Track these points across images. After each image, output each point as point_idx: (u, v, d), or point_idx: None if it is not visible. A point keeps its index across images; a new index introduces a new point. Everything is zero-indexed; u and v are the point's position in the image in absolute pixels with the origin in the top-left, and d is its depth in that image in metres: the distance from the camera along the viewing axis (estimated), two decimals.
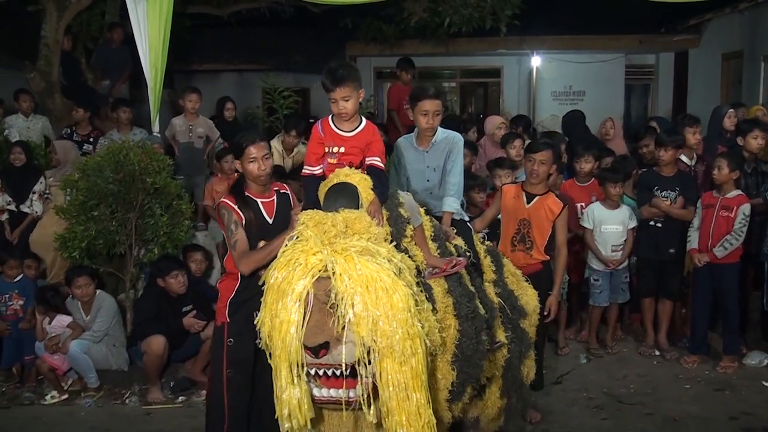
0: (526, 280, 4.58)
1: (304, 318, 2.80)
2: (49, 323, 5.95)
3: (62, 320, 5.96)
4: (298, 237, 2.97)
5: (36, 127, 8.38)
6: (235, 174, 7.09)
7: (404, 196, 3.66)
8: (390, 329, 2.76)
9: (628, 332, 6.84)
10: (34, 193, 7.11)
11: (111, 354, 5.98)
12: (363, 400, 2.87)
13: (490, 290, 4.17)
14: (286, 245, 2.99)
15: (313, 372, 2.87)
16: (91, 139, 8.02)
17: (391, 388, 2.82)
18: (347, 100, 3.52)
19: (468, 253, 4.04)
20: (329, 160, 3.59)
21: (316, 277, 2.81)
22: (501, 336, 4.05)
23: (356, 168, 3.57)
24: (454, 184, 4.30)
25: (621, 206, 6.29)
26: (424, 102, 4.22)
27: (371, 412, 2.88)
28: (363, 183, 3.40)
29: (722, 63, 12.20)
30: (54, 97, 8.62)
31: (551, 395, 5.47)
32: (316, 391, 2.92)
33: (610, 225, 6.23)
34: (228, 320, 4.05)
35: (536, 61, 14.01)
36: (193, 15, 10.38)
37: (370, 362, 2.82)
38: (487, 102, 15.13)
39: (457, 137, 4.40)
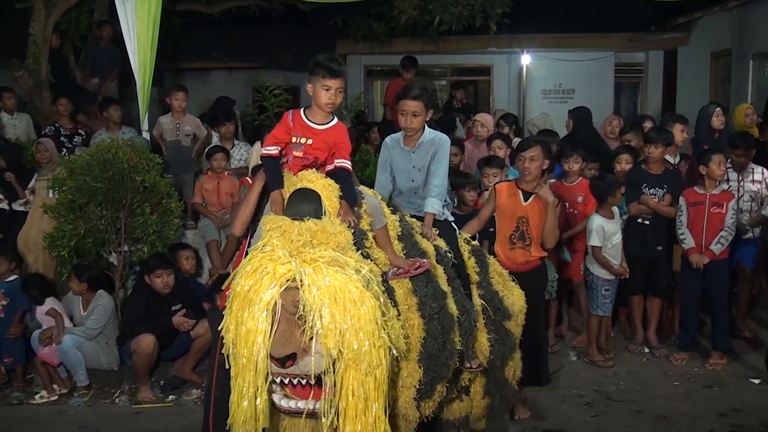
0: (513, 280, 4.57)
1: (271, 328, 2.78)
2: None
3: (41, 309, 5.97)
4: (264, 246, 2.94)
5: (21, 125, 8.34)
6: (226, 174, 7.19)
7: (368, 198, 3.65)
8: (357, 341, 2.75)
9: (617, 330, 6.85)
10: (28, 190, 7.11)
11: (102, 352, 5.97)
12: (324, 410, 2.86)
13: (473, 292, 4.17)
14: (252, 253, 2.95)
15: (278, 380, 2.87)
16: (80, 131, 8.01)
17: (351, 398, 2.81)
18: (340, 92, 3.56)
19: (449, 254, 4.04)
20: (295, 152, 3.56)
21: (284, 287, 2.79)
22: (483, 338, 4.08)
23: (320, 165, 3.58)
24: (437, 185, 4.28)
25: (614, 211, 6.21)
26: (403, 102, 4.24)
27: (327, 421, 2.86)
28: (326, 189, 3.38)
29: (711, 61, 12.25)
30: (42, 95, 8.58)
31: (541, 392, 5.46)
32: (284, 402, 2.92)
33: (617, 234, 6.16)
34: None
35: (526, 59, 14.03)
36: (183, 13, 10.35)
37: (334, 372, 2.81)
38: (478, 100, 15.12)
39: (444, 138, 4.38)
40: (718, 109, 7.42)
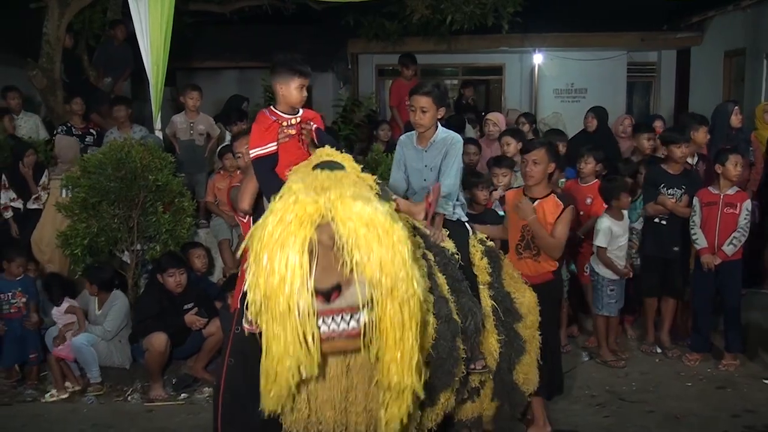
0: (526, 282, 4.52)
1: (310, 266, 2.74)
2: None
3: (60, 309, 6.05)
4: (282, 195, 2.88)
5: (27, 124, 8.38)
6: (237, 172, 7.20)
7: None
8: (394, 269, 2.75)
9: (638, 329, 6.80)
10: (39, 186, 7.15)
11: (115, 350, 6.01)
12: (364, 340, 2.84)
13: (484, 293, 4.15)
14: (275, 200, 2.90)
15: (320, 322, 2.81)
16: (92, 131, 8.06)
17: (389, 327, 2.81)
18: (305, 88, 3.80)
19: (456, 256, 4.04)
20: (288, 131, 3.75)
21: (316, 224, 2.77)
22: (492, 340, 4.05)
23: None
24: (448, 185, 4.23)
25: (623, 213, 6.17)
26: (413, 97, 4.25)
27: (370, 352, 2.87)
28: (346, 161, 3.39)
29: (724, 61, 12.17)
30: (56, 95, 8.61)
31: None
32: (324, 327, 2.83)
33: (625, 235, 6.12)
34: (239, 307, 4.08)
35: (538, 58, 13.99)
36: (195, 12, 10.37)
37: (373, 302, 2.80)
38: (489, 100, 15.09)
39: (456, 138, 4.35)
40: (737, 107, 7.38)
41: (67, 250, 6.12)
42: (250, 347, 4.02)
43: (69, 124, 7.99)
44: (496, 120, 7.88)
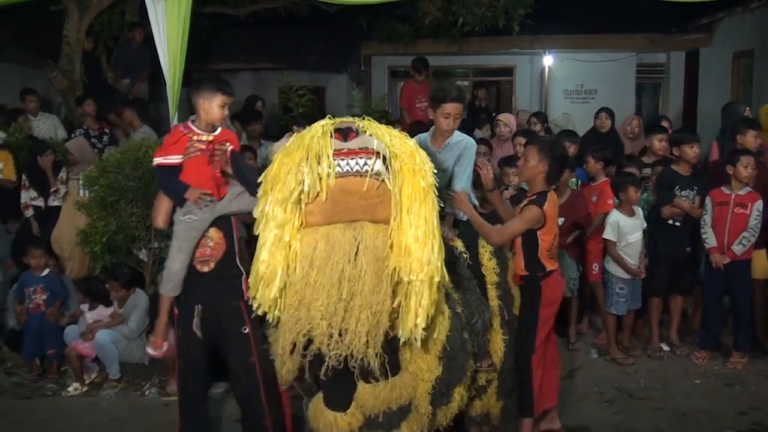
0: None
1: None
2: (89, 309, 6.15)
3: (104, 311, 6.15)
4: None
5: (45, 126, 8.50)
6: None
7: None
8: (411, 147, 2.96)
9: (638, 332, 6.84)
10: (57, 180, 7.28)
11: (135, 346, 6.10)
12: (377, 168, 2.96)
13: (492, 293, 4.24)
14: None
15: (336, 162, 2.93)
16: (106, 131, 8.22)
17: (409, 199, 2.91)
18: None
19: (464, 255, 4.12)
20: (198, 146, 3.89)
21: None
22: (498, 339, 4.15)
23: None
24: (461, 188, 4.32)
25: (635, 210, 6.21)
26: (447, 105, 4.22)
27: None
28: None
29: (733, 62, 12.16)
30: (76, 96, 8.74)
31: (562, 389, 5.39)
32: (338, 170, 2.93)
33: (635, 233, 6.12)
34: (176, 311, 4.19)
35: (548, 60, 14.02)
36: (211, 15, 10.48)
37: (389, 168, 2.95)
38: (500, 100, 15.14)
39: (470, 142, 4.41)
40: (747, 108, 7.40)
41: (87, 248, 6.23)
42: (190, 343, 4.11)
43: (86, 127, 8.12)
44: (507, 121, 7.96)
